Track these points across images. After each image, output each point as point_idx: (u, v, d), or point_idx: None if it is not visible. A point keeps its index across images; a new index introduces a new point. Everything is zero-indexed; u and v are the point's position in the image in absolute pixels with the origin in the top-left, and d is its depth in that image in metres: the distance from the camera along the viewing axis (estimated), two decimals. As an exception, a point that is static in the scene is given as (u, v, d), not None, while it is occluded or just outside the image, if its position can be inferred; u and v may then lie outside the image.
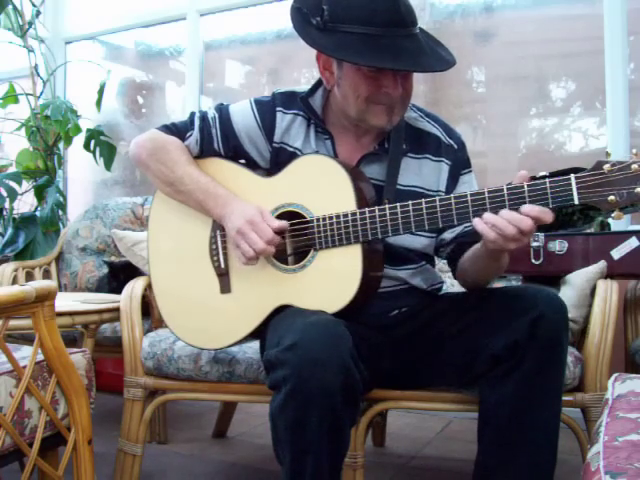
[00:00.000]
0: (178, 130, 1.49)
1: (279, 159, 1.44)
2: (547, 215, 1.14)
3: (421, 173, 1.44)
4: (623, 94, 2.51)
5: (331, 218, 1.31)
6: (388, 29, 1.25)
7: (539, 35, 2.79)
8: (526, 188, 1.15)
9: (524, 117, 2.88)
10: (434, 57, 1.30)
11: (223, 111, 1.49)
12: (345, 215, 1.30)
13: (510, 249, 1.19)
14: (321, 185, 1.34)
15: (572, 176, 1.12)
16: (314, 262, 1.33)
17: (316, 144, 1.44)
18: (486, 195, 1.19)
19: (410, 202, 1.26)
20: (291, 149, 1.44)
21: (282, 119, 1.45)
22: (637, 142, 2.56)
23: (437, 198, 1.24)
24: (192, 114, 1.52)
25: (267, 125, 1.45)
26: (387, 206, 1.27)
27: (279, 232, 1.33)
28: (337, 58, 1.32)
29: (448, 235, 1.44)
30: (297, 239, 1.36)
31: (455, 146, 1.47)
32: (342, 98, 1.37)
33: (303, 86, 1.49)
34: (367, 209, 1.28)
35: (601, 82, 2.56)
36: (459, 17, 2.93)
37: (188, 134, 1.48)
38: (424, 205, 1.24)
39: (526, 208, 1.14)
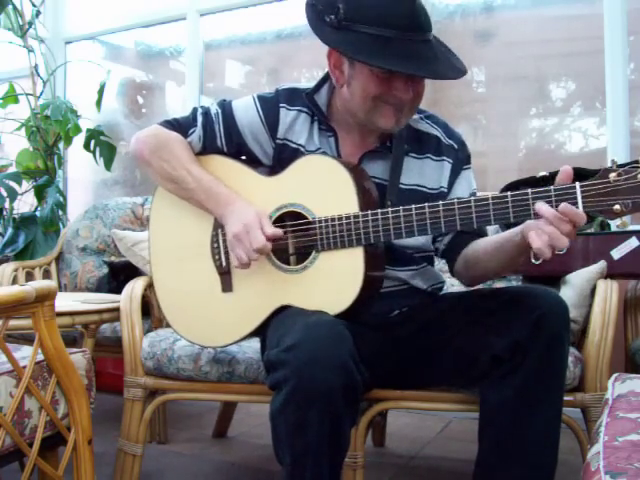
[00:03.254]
0: (180, 126, 1.48)
1: (282, 155, 1.43)
2: (583, 219, 1.10)
3: (423, 172, 1.44)
4: (623, 94, 2.52)
5: (333, 220, 1.30)
6: (404, 33, 1.24)
7: (539, 35, 2.79)
8: (530, 195, 1.14)
9: (524, 117, 2.88)
10: (447, 64, 1.29)
11: (226, 107, 1.48)
12: (347, 217, 1.29)
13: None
14: (323, 186, 1.34)
15: (577, 184, 1.10)
16: (316, 263, 1.33)
17: (319, 141, 1.44)
18: (490, 201, 1.18)
19: (413, 206, 1.24)
20: (294, 145, 1.44)
21: (286, 115, 1.44)
22: (637, 142, 2.56)
23: (440, 203, 1.23)
24: (194, 110, 1.50)
25: (270, 121, 1.44)
26: (390, 209, 1.26)
27: (273, 239, 1.33)
28: (355, 59, 1.30)
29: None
30: (299, 240, 1.36)
31: (455, 146, 1.47)
32: (350, 97, 1.36)
33: (305, 83, 1.49)
34: (370, 212, 1.28)
35: (601, 82, 2.56)
36: (459, 17, 2.93)
37: (191, 130, 1.47)
38: (427, 210, 1.23)
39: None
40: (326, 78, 1.45)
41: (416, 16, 1.25)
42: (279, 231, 1.33)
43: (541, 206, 1.12)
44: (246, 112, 1.46)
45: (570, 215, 1.09)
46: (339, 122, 1.44)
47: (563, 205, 1.10)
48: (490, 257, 1.35)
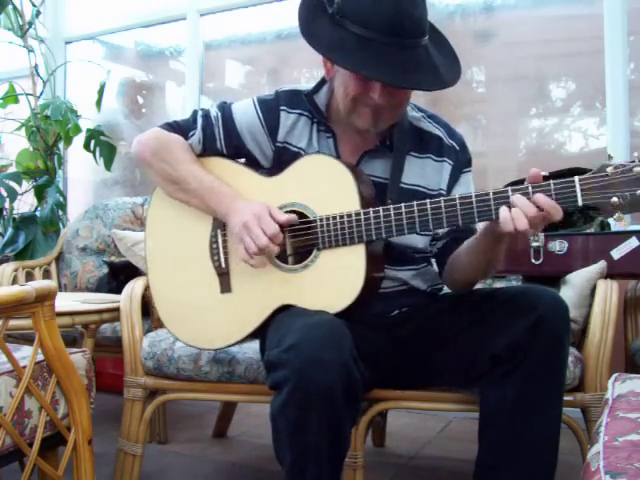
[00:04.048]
0: (181, 128, 1.49)
1: (282, 159, 1.43)
2: (558, 212, 1.14)
3: (424, 173, 1.44)
4: (623, 94, 2.52)
5: (335, 218, 1.30)
6: (385, 36, 1.22)
7: (539, 35, 2.79)
8: (531, 190, 1.15)
9: (524, 117, 2.88)
10: (427, 74, 1.26)
11: (226, 110, 1.48)
12: (349, 215, 1.29)
13: (522, 236, 1.17)
14: (325, 185, 1.33)
15: (576, 178, 1.13)
16: (317, 262, 1.33)
17: (318, 143, 1.44)
18: (491, 197, 1.18)
19: (415, 202, 1.25)
20: (295, 149, 1.44)
21: (286, 118, 1.44)
22: (637, 142, 2.56)
23: (442, 199, 1.23)
24: (194, 112, 1.51)
25: (270, 124, 1.44)
26: (391, 206, 1.26)
27: (287, 225, 1.32)
28: (324, 56, 1.31)
29: (442, 229, 1.44)
30: (299, 239, 1.35)
31: (457, 147, 1.46)
32: (336, 91, 1.37)
33: (306, 84, 1.49)
34: (371, 209, 1.28)
35: (601, 82, 2.56)
36: (459, 17, 2.93)
37: (191, 133, 1.47)
38: (429, 206, 1.23)
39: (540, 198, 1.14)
40: (325, 79, 1.44)
41: (398, 20, 1.22)
42: (293, 216, 1.33)
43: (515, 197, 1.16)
44: (246, 115, 1.46)
45: (540, 203, 1.13)
46: (338, 122, 1.43)
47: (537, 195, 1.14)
48: (469, 256, 1.35)
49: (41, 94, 3.48)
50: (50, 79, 3.50)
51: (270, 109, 1.45)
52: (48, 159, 3.41)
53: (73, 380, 1.28)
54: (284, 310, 1.34)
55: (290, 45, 3.32)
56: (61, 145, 3.48)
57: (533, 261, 1.94)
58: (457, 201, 1.21)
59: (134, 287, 1.81)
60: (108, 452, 1.86)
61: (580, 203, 1.13)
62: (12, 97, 3.49)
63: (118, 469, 1.69)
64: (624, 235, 1.89)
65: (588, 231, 2.00)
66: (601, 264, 1.85)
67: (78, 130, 3.34)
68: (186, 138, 1.48)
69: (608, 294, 1.59)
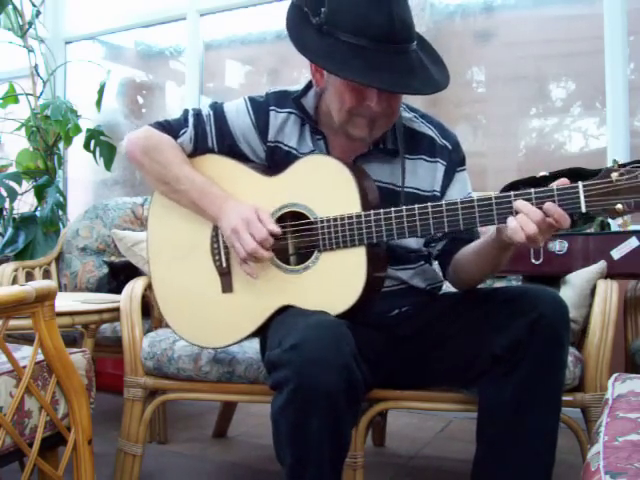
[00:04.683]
0: (172, 127, 1.48)
1: (275, 157, 1.43)
2: (566, 220, 1.12)
3: (417, 174, 1.43)
4: (623, 94, 2.52)
5: (336, 220, 1.30)
6: (379, 44, 1.22)
7: (539, 35, 2.79)
8: (534, 195, 1.14)
9: (524, 117, 2.88)
10: (422, 78, 1.27)
11: (218, 109, 1.48)
12: (350, 217, 1.29)
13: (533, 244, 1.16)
14: (325, 186, 1.33)
15: (580, 184, 1.11)
16: (318, 263, 1.33)
17: (312, 143, 1.44)
18: (493, 201, 1.18)
19: (416, 206, 1.24)
20: (286, 148, 1.44)
21: (275, 118, 1.44)
22: (637, 142, 2.56)
23: (444, 202, 1.22)
24: (185, 111, 1.51)
25: (261, 124, 1.44)
26: (392, 209, 1.26)
27: (273, 235, 1.32)
28: (319, 66, 1.31)
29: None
30: (300, 239, 1.35)
31: (450, 147, 1.46)
32: (329, 102, 1.37)
33: (296, 86, 1.48)
34: (372, 212, 1.27)
35: (601, 82, 2.56)
36: (459, 17, 2.93)
37: (182, 131, 1.47)
38: (430, 209, 1.23)
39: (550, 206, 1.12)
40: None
41: (392, 27, 1.22)
42: (278, 229, 1.32)
43: (519, 203, 1.14)
44: (238, 114, 1.46)
45: (550, 212, 1.12)
46: (327, 125, 1.43)
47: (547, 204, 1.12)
48: (476, 256, 1.35)
49: (41, 94, 3.48)
50: (50, 79, 3.50)
51: (260, 109, 1.45)
52: (48, 159, 3.41)
53: (73, 380, 1.28)
54: (285, 310, 1.34)
55: (290, 45, 3.29)
56: (61, 145, 3.48)
57: (533, 261, 1.94)
58: (459, 205, 1.20)
59: (134, 287, 1.82)
60: (108, 452, 1.86)
61: (584, 210, 1.10)
62: (12, 97, 3.49)
63: (118, 469, 1.69)
64: (624, 235, 1.88)
65: (588, 231, 2.00)
66: (601, 264, 1.85)
67: (78, 130, 3.34)
68: (177, 136, 1.47)
69: (608, 294, 1.59)
